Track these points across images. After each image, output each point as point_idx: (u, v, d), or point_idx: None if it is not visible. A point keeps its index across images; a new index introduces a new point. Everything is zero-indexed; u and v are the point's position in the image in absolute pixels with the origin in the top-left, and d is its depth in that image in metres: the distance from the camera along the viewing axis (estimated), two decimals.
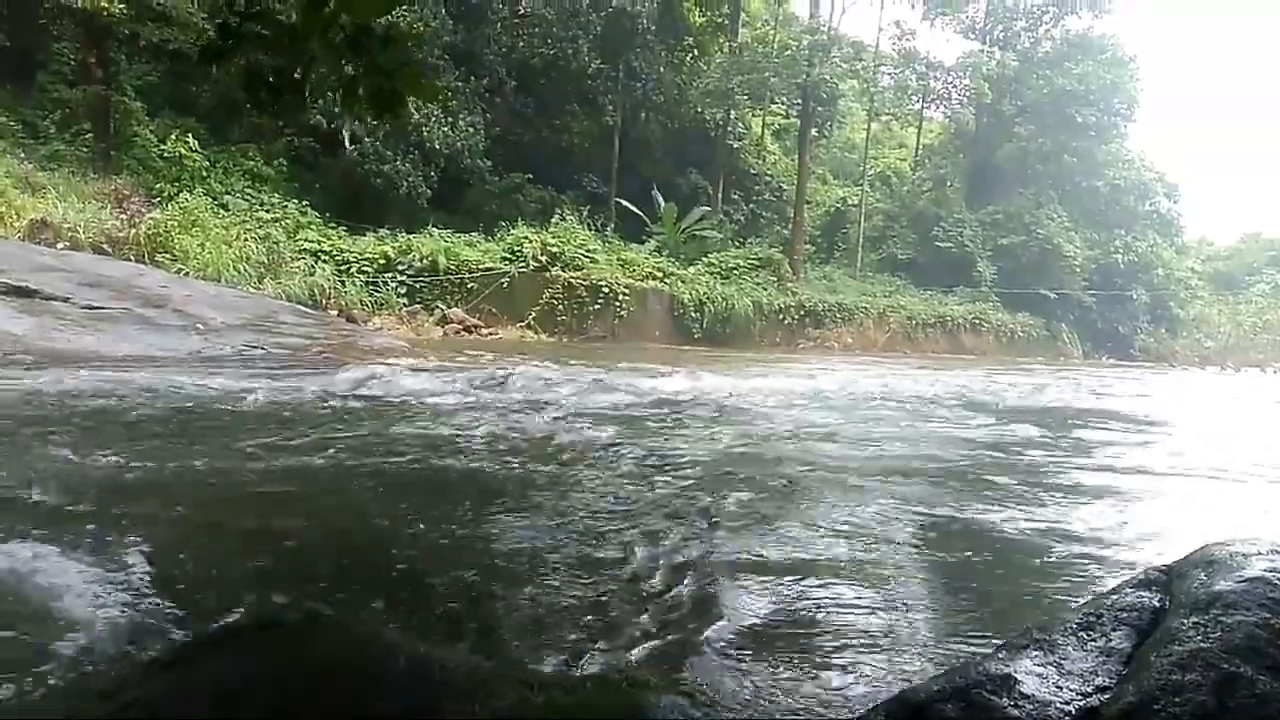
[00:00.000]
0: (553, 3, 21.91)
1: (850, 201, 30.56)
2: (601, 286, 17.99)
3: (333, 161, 18.64)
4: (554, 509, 3.44)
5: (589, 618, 2.32)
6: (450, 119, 19.43)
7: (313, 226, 16.67)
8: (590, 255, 18.75)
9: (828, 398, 8.42)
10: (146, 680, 1.18)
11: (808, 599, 2.55)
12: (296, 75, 2.35)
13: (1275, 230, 46.12)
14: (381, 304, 15.69)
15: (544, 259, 17.86)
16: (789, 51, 25.36)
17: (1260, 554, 1.58)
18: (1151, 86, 67.72)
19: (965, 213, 29.38)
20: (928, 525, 3.51)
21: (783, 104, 31.46)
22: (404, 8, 16.03)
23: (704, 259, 21.91)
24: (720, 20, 26.97)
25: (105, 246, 12.17)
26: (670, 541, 3.01)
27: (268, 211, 16.27)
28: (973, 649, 2.11)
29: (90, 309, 8.31)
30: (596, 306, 17.87)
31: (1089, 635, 1.45)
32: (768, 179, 28.98)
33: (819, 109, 27.13)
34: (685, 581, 2.61)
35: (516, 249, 17.93)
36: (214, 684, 1.15)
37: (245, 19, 2.27)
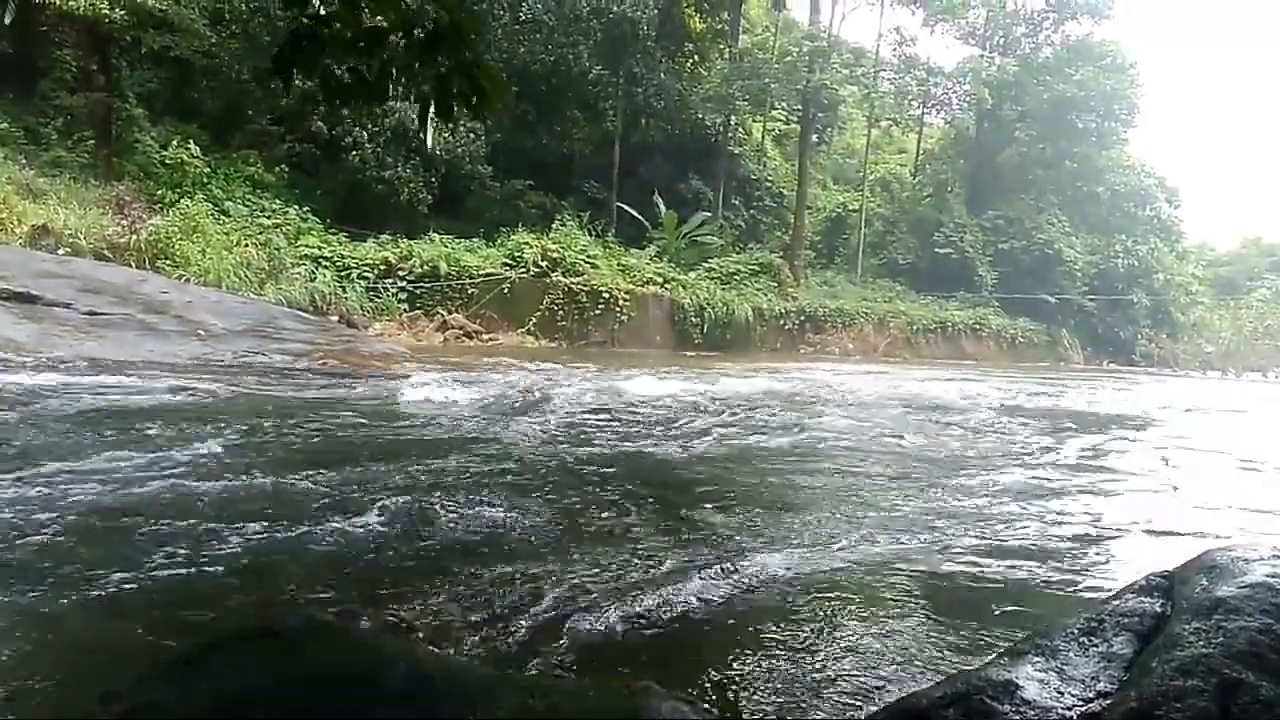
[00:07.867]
0: (553, 9, 21.94)
1: (850, 207, 30.56)
2: (602, 292, 17.96)
3: (334, 168, 18.64)
4: None
5: None
6: (451, 125, 19.45)
7: (313, 232, 16.69)
8: (591, 261, 18.73)
9: None
10: (150, 685, 1.18)
11: None
12: (375, 76, 2.25)
13: (1276, 235, 46.26)
14: (382, 309, 15.69)
15: (544, 264, 17.85)
16: (789, 57, 25.43)
17: (1262, 559, 1.58)
18: (1152, 91, 67.87)
19: (966, 218, 29.37)
20: None
21: (783, 110, 31.51)
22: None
23: (704, 264, 21.89)
24: (720, 26, 26.99)
25: (106, 252, 12.17)
26: None
27: (269, 217, 16.27)
28: None
29: (92, 315, 8.32)
30: (597, 312, 17.85)
31: (1091, 640, 1.45)
32: (768, 184, 28.95)
33: (819, 115, 27.19)
34: None
35: (517, 254, 17.92)
36: (217, 689, 1.15)
37: (320, 22, 2.18)
